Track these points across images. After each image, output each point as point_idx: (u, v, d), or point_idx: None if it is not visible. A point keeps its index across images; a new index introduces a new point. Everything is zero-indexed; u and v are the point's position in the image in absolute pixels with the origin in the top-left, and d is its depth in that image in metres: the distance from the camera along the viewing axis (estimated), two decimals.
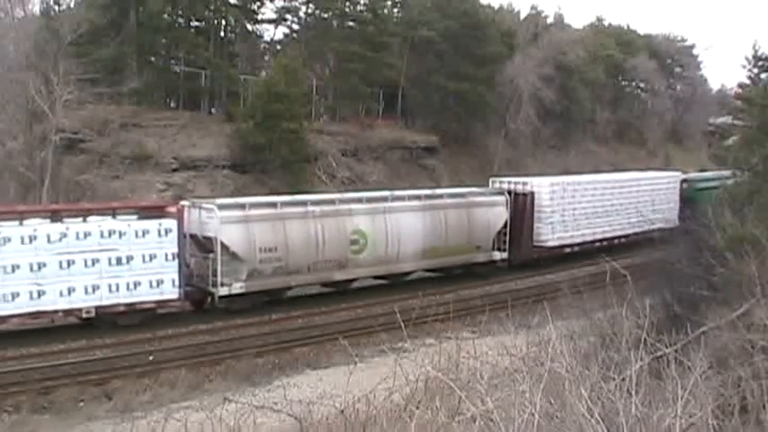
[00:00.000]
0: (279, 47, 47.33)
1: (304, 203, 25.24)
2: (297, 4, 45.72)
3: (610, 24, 73.34)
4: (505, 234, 30.87)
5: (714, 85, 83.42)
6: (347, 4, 45.64)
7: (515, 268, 31.43)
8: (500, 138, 49.50)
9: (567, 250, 33.47)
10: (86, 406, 17.23)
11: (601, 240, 34.72)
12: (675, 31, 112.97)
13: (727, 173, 45.19)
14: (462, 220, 29.24)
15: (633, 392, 6.21)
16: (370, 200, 27.04)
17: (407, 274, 28.14)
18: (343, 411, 7.81)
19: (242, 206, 24.02)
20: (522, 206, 31.73)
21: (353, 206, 26.23)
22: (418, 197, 28.63)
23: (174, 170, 34.79)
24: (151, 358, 19.91)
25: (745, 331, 11.34)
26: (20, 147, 31.65)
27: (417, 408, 7.15)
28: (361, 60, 43.23)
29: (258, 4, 44.11)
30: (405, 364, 8.34)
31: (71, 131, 32.52)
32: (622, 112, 65.42)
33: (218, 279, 22.90)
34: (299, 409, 10.35)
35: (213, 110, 42.75)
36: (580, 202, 34.15)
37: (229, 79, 41.05)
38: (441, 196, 29.64)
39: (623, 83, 68.11)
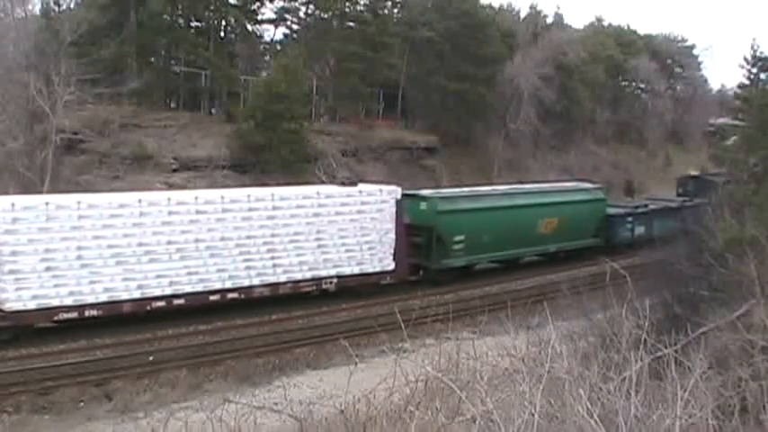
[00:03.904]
0: (279, 47, 47.35)
1: None
2: (297, 4, 45.76)
3: (610, 24, 73.45)
4: None
5: (714, 85, 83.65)
6: (347, 4, 45.60)
7: None
8: (500, 138, 49.46)
9: (68, 315, 20.43)
10: (86, 406, 17.24)
11: (177, 298, 22.14)
12: (675, 31, 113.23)
13: (505, 188, 33.28)
14: None
15: (633, 393, 6.22)
16: None
17: None
18: (343, 412, 7.82)
19: None
20: None
21: None
22: None
23: (174, 170, 34.82)
24: (151, 359, 19.92)
25: (745, 332, 11.35)
26: (20, 147, 31.64)
27: (417, 408, 7.15)
28: (361, 60, 43.22)
29: (258, 4, 44.14)
30: (405, 365, 8.34)
31: (71, 132, 32.58)
32: (622, 113, 65.40)
33: None
34: (299, 409, 10.39)
35: (213, 110, 42.78)
36: (114, 237, 21.00)
37: (229, 79, 41.06)
38: None
39: (623, 83, 68.09)
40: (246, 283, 23.45)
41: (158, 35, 39.81)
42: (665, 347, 7.71)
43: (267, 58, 49.18)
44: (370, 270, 25.98)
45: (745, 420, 7.31)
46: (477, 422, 6.03)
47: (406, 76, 47.49)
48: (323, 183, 37.73)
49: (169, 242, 21.97)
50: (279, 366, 20.17)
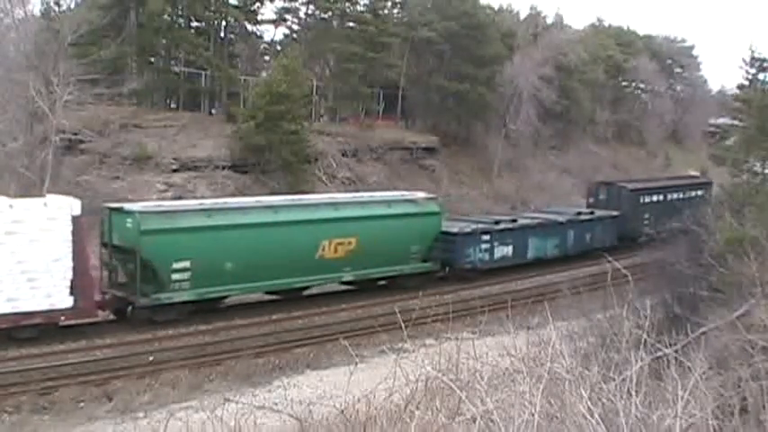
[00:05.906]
0: (279, 47, 47.38)
1: None
2: (297, 4, 45.80)
3: (610, 25, 73.66)
4: None
5: (714, 85, 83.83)
6: (347, 4, 45.65)
7: None
8: (500, 138, 49.51)
9: None
10: (87, 406, 17.23)
11: None
12: (676, 31, 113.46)
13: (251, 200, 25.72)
14: None
15: (633, 393, 6.22)
16: None
17: None
18: (343, 412, 7.82)
19: None
20: None
21: None
22: None
23: (175, 171, 34.82)
24: (151, 359, 19.92)
25: (745, 332, 11.35)
26: (20, 147, 31.62)
27: (417, 408, 7.16)
28: (361, 61, 43.26)
29: (258, 4, 44.15)
30: (405, 365, 8.34)
31: (71, 132, 32.56)
32: (622, 113, 65.52)
33: None
34: (299, 409, 10.39)
35: (213, 110, 42.80)
36: None
37: (230, 80, 41.08)
38: None
39: (623, 83, 68.21)
40: None
41: (158, 35, 39.80)
42: (666, 347, 7.72)
43: (267, 58, 49.23)
44: (32, 308, 19.87)
45: (745, 420, 7.31)
46: (477, 422, 6.03)
47: (406, 77, 47.53)
48: (324, 183, 37.85)
49: None
50: (279, 366, 20.17)
